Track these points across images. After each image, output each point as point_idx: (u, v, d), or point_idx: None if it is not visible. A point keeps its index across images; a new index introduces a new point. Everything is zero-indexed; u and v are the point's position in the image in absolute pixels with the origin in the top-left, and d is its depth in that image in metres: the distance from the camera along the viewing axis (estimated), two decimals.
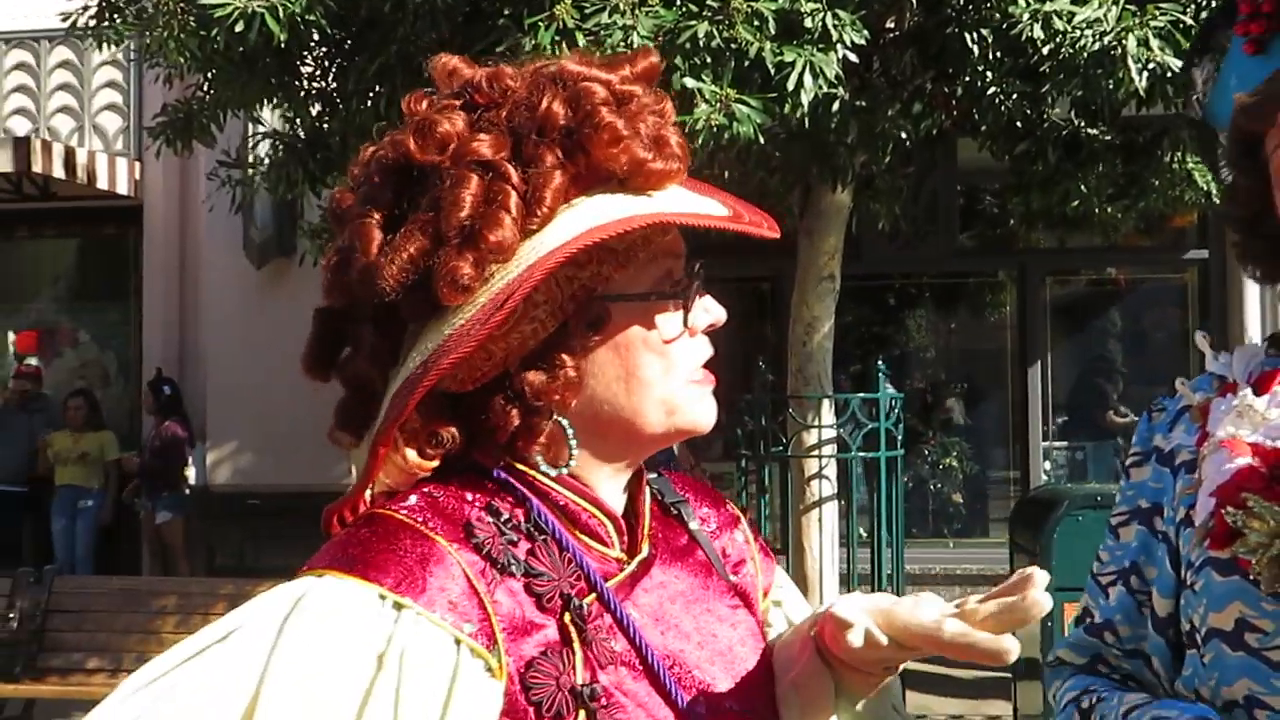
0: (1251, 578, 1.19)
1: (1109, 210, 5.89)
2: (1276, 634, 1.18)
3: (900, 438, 5.60)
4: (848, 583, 5.79)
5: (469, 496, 1.11)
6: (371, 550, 1.05)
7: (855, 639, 1.05)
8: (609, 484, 1.16)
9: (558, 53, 3.97)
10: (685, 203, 1.12)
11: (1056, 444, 9.07)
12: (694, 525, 1.24)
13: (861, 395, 5.60)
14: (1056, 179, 5.38)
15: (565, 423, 1.11)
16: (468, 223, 1.04)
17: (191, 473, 9.16)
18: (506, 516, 1.10)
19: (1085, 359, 9.41)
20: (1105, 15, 4.05)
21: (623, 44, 3.86)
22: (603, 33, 3.83)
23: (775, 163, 4.99)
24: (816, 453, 5.48)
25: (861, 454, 5.49)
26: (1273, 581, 1.17)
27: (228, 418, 9.19)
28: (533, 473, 1.13)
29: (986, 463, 9.36)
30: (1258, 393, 1.27)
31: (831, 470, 5.54)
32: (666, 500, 1.24)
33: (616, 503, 1.17)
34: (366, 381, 1.13)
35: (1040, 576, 1.02)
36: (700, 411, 1.16)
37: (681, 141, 1.14)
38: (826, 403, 5.48)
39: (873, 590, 5.76)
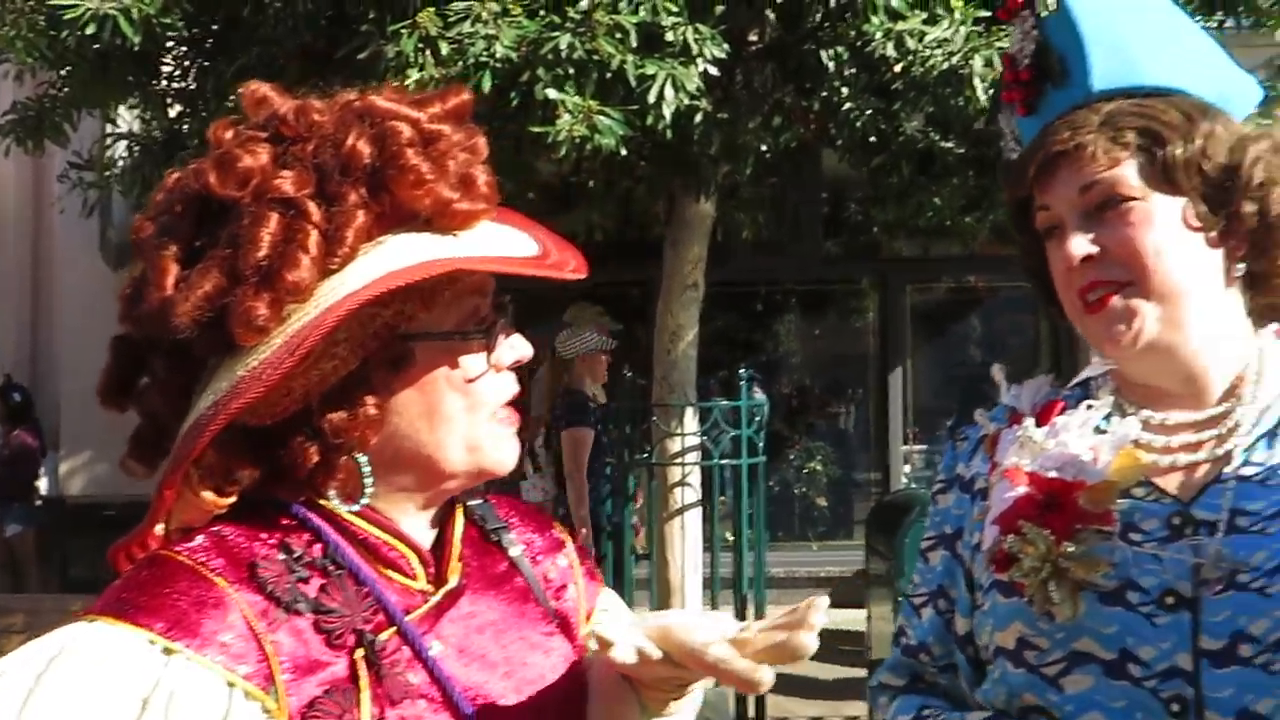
0: (1025, 599, 1.26)
1: (965, 220, 6.10)
2: (1050, 651, 1.27)
3: (761, 445, 5.70)
4: (711, 587, 5.88)
5: (263, 534, 1.10)
6: (146, 594, 1.04)
7: (619, 656, 1.05)
8: (414, 516, 1.16)
9: (421, 60, 4.00)
10: (491, 243, 1.13)
11: (916, 448, 9.33)
12: (515, 552, 1.24)
13: (724, 403, 5.69)
14: (911, 191, 5.55)
15: (361, 459, 1.10)
16: (265, 262, 1.03)
17: (43, 483, 8.86)
18: (300, 553, 1.09)
19: (945, 364, 9.71)
20: (954, 35, 4.21)
21: (485, 54, 3.88)
22: (465, 42, 3.85)
23: (640, 173, 5.06)
24: (680, 460, 5.55)
25: (724, 461, 5.58)
26: (1044, 603, 1.24)
27: (82, 426, 8.88)
28: (331, 507, 1.12)
29: (850, 466, 9.59)
30: (1039, 424, 1.34)
31: (695, 477, 5.62)
32: (488, 527, 1.25)
33: (423, 534, 1.17)
34: (159, 414, 1.11)
35: (818, 617, 1.03)
36: (502, 452, 1.16)
37: (490, 180, 1.14)
38: (690, 410, 5.56)
39: (735, 595, 5.88)
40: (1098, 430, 1.32)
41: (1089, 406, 1.35)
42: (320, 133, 1.09)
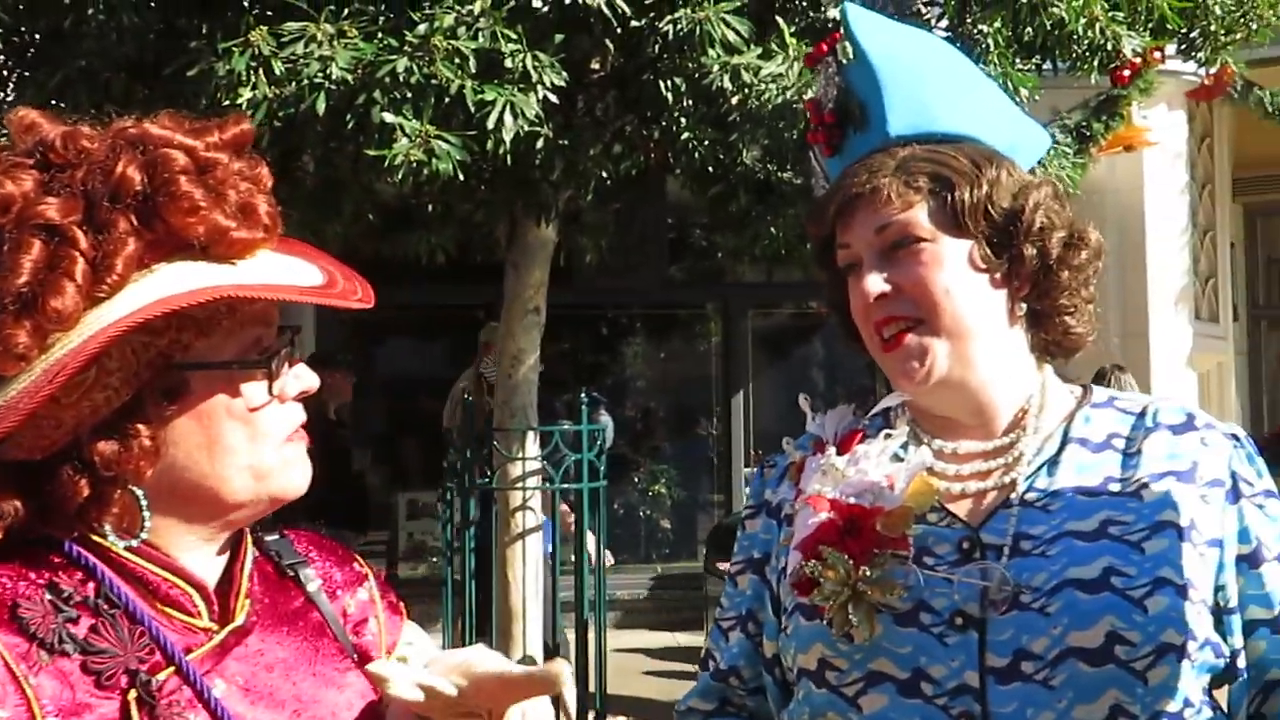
0: (825, 621, 1.31)
1: (805, 248, 6.25)
2: (849, 672, 1.32)
3: (603, 469, 5.73)
4: (553, 612, 5.87)
5: (30, 573, 1.07)
6: None
7: (395, 692, 1.07)
8: (197, 552, 1.15)
9: (254, 79, 3.91)
10: (271, 271, 1.12)
11: None
12: (312, 587, 1.24)
13: (564, 427, 5.70)
14: (749, 220, 5.66)
15: (139, 492, 1.09)
16: (25, 289, 1.01)
17: None
18: (69, 592, 1.07)
19: (787, 388, 9.92)
20: (788, 70, 4.31)
21: (320, 74, 3.82)
22: (299, 63, 3.78)
23: (480, 197, 5.04)
24: (521, 484, 5.53)
25: (564, 485, 5.58)
26: (842, 625, 1.30)
27: None
28: (107, 543, 1.10)
29: (693, 489, 9.70)
30: (840, 452, 1.40)
31: (536, 501, 5.61)
32: (284, 562, 1.24)
33: (207, 570, 1.16)
34: None
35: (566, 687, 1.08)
36: (292, 477, 1.16)
37: (272, 210, 1.14)
38: (531, 434, 5.55)
39: (577, 619, 5.88)
40: (895, 458, 1.38)
41: (887, 436, 1.41)
42: (90, 160, 1.07)
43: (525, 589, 5.55)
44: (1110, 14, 4.94)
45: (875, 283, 1.36)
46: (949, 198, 1.37)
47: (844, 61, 1.48)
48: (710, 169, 4.87)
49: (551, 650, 5.93)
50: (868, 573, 1.29)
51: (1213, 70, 6.71)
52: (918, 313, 1.36)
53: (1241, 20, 5.66)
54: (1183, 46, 5.81)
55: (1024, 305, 1.40)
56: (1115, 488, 1.34)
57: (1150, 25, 5.27)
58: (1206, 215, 10.09)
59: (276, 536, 1.25)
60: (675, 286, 9.57)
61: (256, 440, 1.13)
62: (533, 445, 5.56)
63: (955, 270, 1.36)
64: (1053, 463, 1.37)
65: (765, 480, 1.53)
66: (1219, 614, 1.30)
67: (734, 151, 4.92)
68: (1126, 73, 5.95)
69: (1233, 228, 11.05)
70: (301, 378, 1.17)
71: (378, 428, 9.79)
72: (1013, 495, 1.35)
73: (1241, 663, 1.31)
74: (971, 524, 1.35)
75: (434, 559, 7.86)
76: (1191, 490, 1.33)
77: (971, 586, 1.30)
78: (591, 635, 5.81)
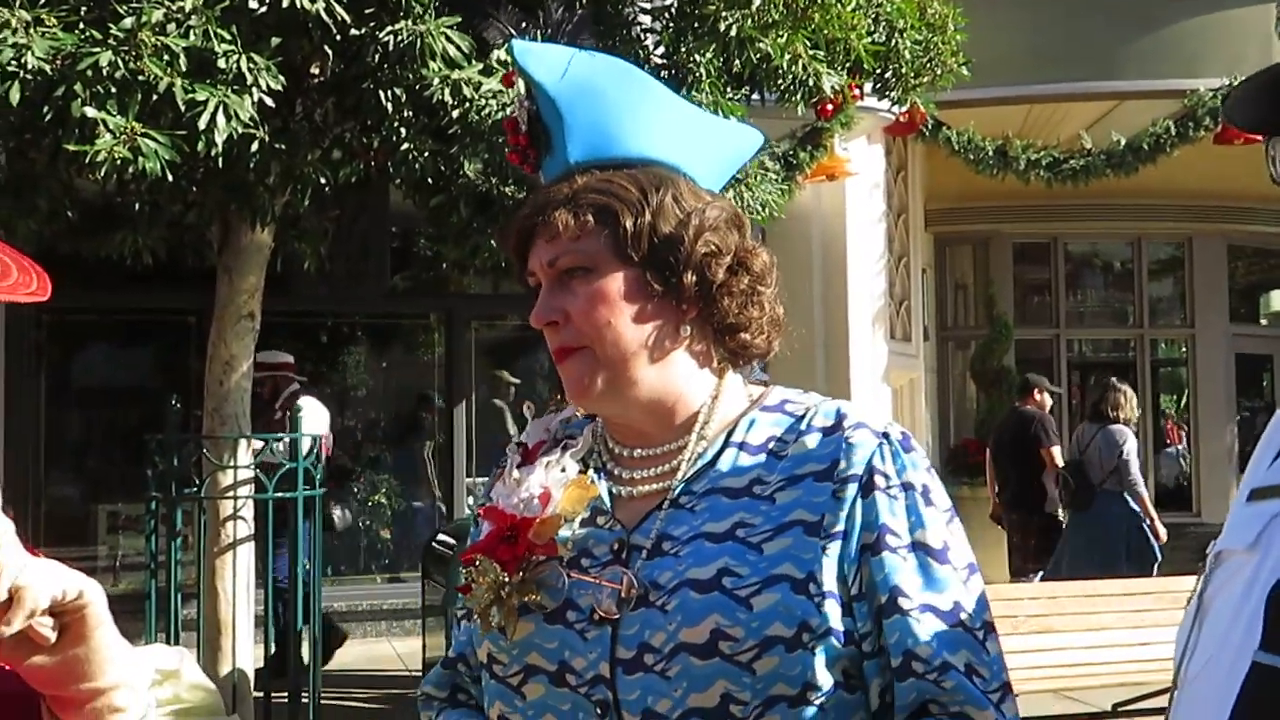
0: (475, 620, 1.44)
1: None
2: (510, 665, 1.43)
3: (319, 477, 5.65)
4: (264, 624, 5.74)
5: None
6: None
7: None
8: None
9: None
10: None
11: (480, 479, 9.54)
12: None
13: (277, 435, 5.60)
14: (470, 232, 5.72)
15: None
16: None
17: None
18: None
19: (508, 398, 10.01)
20: (507, 88, 4.42)
21: (14, 63, 3.64)
22: None
23: (191, 198, 4.90)
24: (232, 494, 5.39)
25: (277, 494, 5.48)
26: (487, 625, 1.41)
27: None
28: None
29: (415, 498, 9.65)
30: (525, 461, 1.49)
31: (249, 511, 5.48)
32: None
33: None
34: None
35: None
36: None
37: None
38: (243, 443, 5.42)
39: (290, 631, 5.76)
40: (564, 469, 1.47)
41: (564, 446, 1.50)
42: None
43: (235, 601, 5.40)
44: (812, 52, 5.28)
45: (543, 312, 1.45)
46: (615, 228, 1.43)
47: (521, 86, 1.53)
48: (430, 180, 4.90)
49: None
50: (513, 578, 1.40)
51: (905, 109, 7.27)
52: (583, 341, 1.44)
53: (928, 65, 6.17)
54: (877, 86, 6.28)
55: (688, 328, 1.47)
56: (757, 490, 1.43)
57: (848, 65, 5.67)
58: (901, 243, 10.85)
59: None
60: (398, 296, 9.51)
61: None
62: (244, 454, 5.43)
63: (617, 300, 1.43)
64: (709, 466, 1.45)
65: (493, 481, 1.58)
66: (848, 602, 1.38)
67: (454, 164, 4.97)
68: (830, 107, 6.40)
69: (924, 255, 11.93)
70: None
71: (75, 437, 9.25)
72: (666, 498, 1.44)
73: (868, 646, 1.39)
74: (627, 526, 1.44)
75: (138, 572, 7.50)
76: (826, 487, 1.40)
77: (609, 587, 1.40)
78: (305, 650, 5.71)
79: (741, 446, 1.46)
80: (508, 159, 1.63)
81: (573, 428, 1.56)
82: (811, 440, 1.44)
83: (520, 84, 1.55)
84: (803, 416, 1.47)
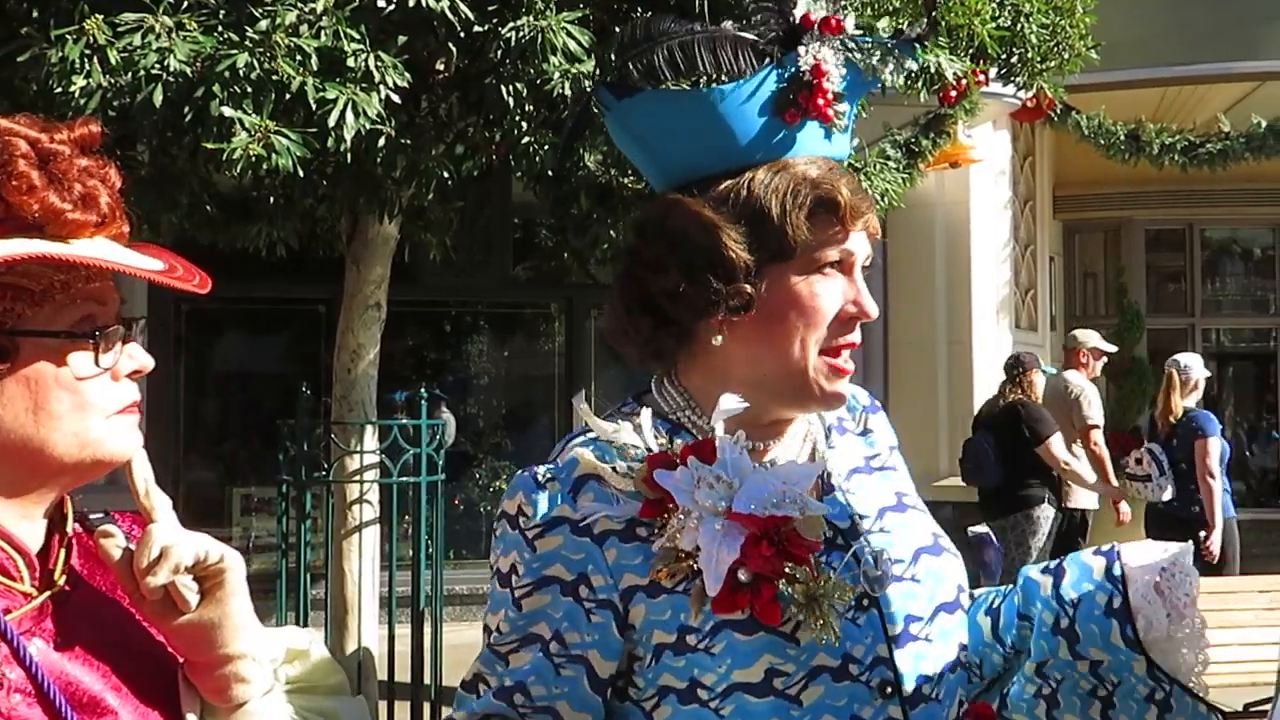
0: (792, 629, 1.34)
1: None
2: (796, 673, 1.36)
3: (441, 463, 5.79)
4: (389, 605, 5.90)
5: None
6: None
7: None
8: (20, 517, 1.22)
9: (88, 67, 3.87)
10: (107, 252, 1.21)
11: None
12: None
13: (403, 421, 5.74)
14: (590, 223, 5.79)
15: None
16: None
17: None
18: None
19: (628, 388, 10.07)
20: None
21: (158, 66, 3.80)
22: (136, 54, 3.76)
23: (321, 192, 5.05)
24: (358, 478, 5.56)
25: (401, 479, 5.63)
26: (810, 630, 1.33)
27: None
28: None
29: None
30: (703, 460, 1.38)
31: (374, 495, 5.64)
32: None
33: (30, 536, 1.23)
34: None
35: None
36: (119, 443, 1.24)
37: (114, 203, 1.23)
38: (370, 429, 5.57)
39: (412, 613, 5.92)
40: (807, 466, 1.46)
41: (735, 440, 1.40)
42: None
43: (360, 582, 5.57)
44: (934, 40, 5.21)
45: (874, 306, 1.45)
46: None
47: (849, 45, 1.46)
48: (551, 172, 4.97)
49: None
50: (820, 580, 1.33)
51: (1031, 94, 7.12)
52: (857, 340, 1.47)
53: (1055, 49, 6.03)
54: (1002, 71, 6.16)
55: None
56: (875, 463, 1.56)
57: (971, 51, 5.57)
58: (1028, 230, 10.63)
59: (101, 515, 1.32)
60: (520, 285, 9.66)
61: (83, 410, 1.20)
62: (371, 440, 5.59)
63: None
64: (829, 448, 1.53)
65: (551, 494, 1.42)
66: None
67: (575, 156, 5.03)
68: (953, 93, 6.29)
69: (1052, 242, 11.66)
70: (135, 357, 1.25)
71: (212, 422, 9.62)
72: (819, 483, 1.47)
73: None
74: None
75: (270, 554, 7.78)
76: (900, 458, 1.62)
77: (855, 569, 1.40)
78: (428, 630, 5.86)
79: (838, 430, 1.57)
80: (806, 103, 1.43)
81: (664, 426, 1.48)
82: (873, 420, 1.61)
83: (836, 46, 1.46)
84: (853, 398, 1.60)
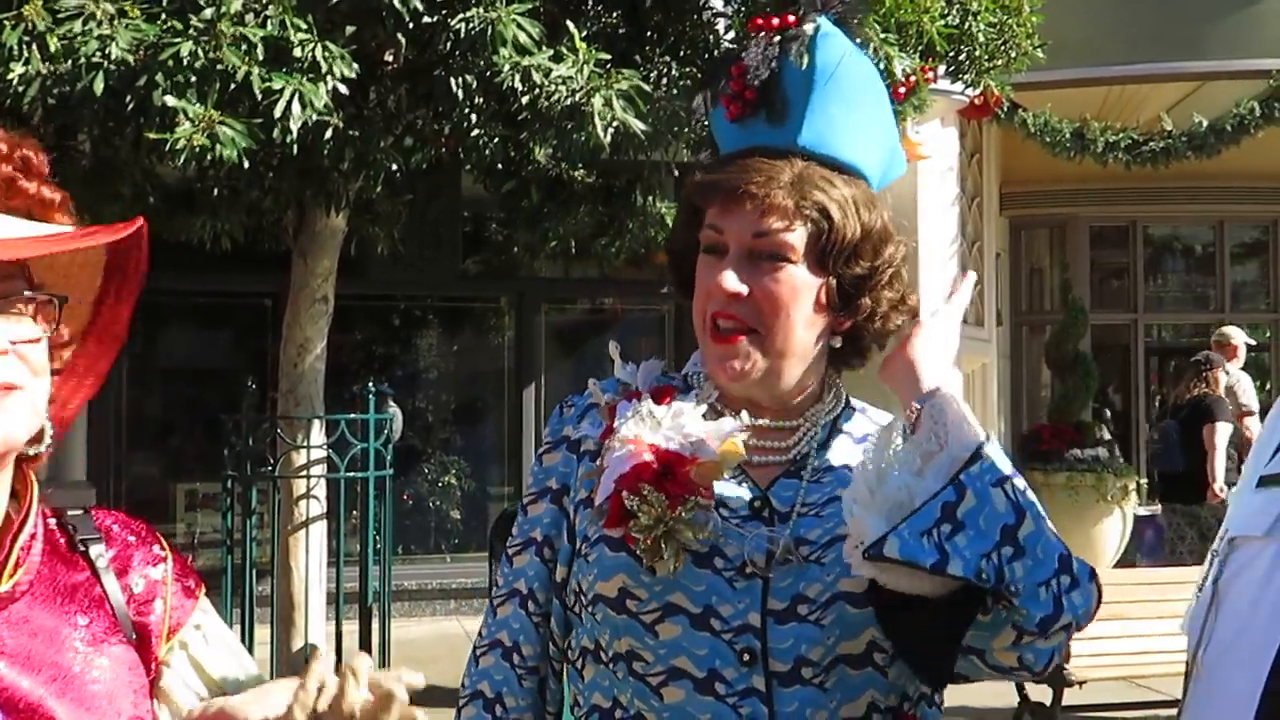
0: (637, 552, 1.43)
1: (599, 245, 6.40)
2: (648, 602, 1.44)
3: (390, 458, 5.75)
4: (336, 601, 5.85)
5: None
6: None
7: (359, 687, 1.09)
8: None
9: (27, 54, 3.79)
10: (9, 228, 1.17)
11: None
12: (100, 563, 1.27)
13: (349, 416, 5.69)
14: (540, 216, 5.77)
15: None
16: None
17: None
18: None
19: (578, 382, 10.06)
20: (577, 74, 4.43)
21: (99, 54, 3.74)
22: (76, 41, 3.69)
23: (268, 184, 4.99)
24: (305, 473, 5.50)
25: (349, 474, 5.58)
26: (652, 557, 1.42)
27: None
28: None
29: (484, 480, 9.75)
30: (657, 403, 1.51)
31: (321, 490, 5.59)
32: (78, 537, 1.28)
33: None
34: None
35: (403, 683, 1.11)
36: None
37: (40, 192, 1.21)
38: (317, 423, 5.52)
39: (360, 609, 5.88)
40: (705, 419, 1.50)
41: (697, 400, 1.53)
42: None
43: (308, 578, 5.52)
44: (883, 36, 5.23)
45: (732, 281, 1.46)
46: (827, 234, 1.47)
47: (790, 57, 1.51)
48: (501, 165, 4.95)
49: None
50: (681, 513, 1.41)
51: (979, 92, 7.18)
52: (756, 324, 1.48)
53: (1003, 48, 6.09)
54: (951, 69, 6.20)
55: (839, 339, 1.56)
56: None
57: (920, 48, 5.61)
58: (975, 226, 10.72)
59: (79, 512, 1.28)
60: (469, 279, 9.60)
61: None
62: (318, 434, 5.54)
63: (803, 300, 1.49)
64: (824, 446, 1.55)
65: (564, 417, 1.59)
66: None
67: (525, 149, 5.01)
68: (902, 90, 6.33)
69: (999, 239, 11.77)
70: (4, 332, 1.16)
71: (155, 416, 9.48)
72: (794, 469, 1.53)
73: None
74: (761, 486, 1.51)
75: (214, 550, 7.68)
76: None
77: (760, 541, 1.46)
78: (376, 626, 5.82)
79: (848, 434, 1.58)
80: (721, 100, 1.55)
81: (678, 382, 1.60)
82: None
83: (770, 42, 1.53)
84: (869, 417, 1.61)
